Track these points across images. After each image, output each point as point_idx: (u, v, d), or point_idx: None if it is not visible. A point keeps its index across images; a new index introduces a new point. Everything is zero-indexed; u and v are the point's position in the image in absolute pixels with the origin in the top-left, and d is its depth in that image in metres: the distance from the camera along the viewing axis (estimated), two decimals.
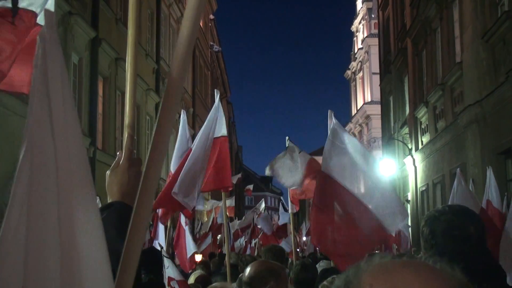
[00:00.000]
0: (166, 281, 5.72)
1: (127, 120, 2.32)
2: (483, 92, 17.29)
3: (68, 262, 1.12)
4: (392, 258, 1.20)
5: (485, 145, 17.41)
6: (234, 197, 22.51)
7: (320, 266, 8.40)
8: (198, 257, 13.63)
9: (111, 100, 21.71)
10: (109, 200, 2.23)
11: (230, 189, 7.90)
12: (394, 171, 31.16)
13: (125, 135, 2.28)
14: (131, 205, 2.23)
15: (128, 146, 2.27)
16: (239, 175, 33.52)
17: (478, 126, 17.88)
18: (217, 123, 7.52)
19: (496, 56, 16.62)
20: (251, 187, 36.12)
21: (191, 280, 7.97)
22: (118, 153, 2.30)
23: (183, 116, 9.07)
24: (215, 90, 8.02)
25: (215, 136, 7.42)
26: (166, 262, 5.82)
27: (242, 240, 20.94)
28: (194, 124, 35.36)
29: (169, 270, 5.76)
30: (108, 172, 2.29)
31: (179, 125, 8.90)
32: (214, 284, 4.84)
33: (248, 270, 4.06)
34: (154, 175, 1.41)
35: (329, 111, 7.18)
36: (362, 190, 6.53)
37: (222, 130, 7.52)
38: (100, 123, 20.93)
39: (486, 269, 2.65)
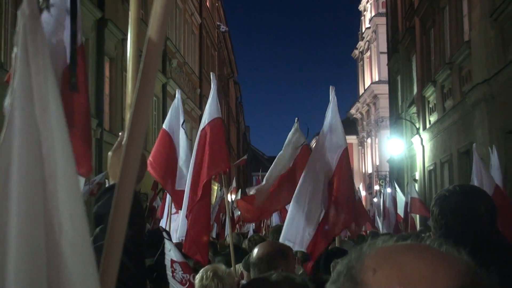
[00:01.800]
0: (169, 264, 5.74)
1: (128, 100, 2.28)
2: (491, 70, 17.17)
3: (53, 252, 1.09)
4: (395, 241, 1.17)
5: (493, 124, 17.32)
6: (235, 178, 22.47)
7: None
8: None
9: (118, 81, 21.70)
10: (110, 182, 2.21)
11: (228, 169, 7.83)
12: (402, 150, 31.11)
13: (127, 115, 2.25)
14: (135, 187, 2.22)
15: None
16: (245, 157, 33.49)
17: (486, 105, 17.78)
18: (209, 108, 7.42)
19: (505, 35, 16.48)
20: (245, 157, 36.18)
21: (191, 263, 8.01)
22: (120, 133, 2.27)
23: (177, 95, 9.12)
24: (211, 73, 7.88)
25: (209, 120, 7.34)
26: (168, 244, 5.82)
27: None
28: (201, 104, 35.30)
29: (171, 253, 5.76)
30: (109, 154, 2.27)
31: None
32: (206, 267, 4.84)
33: (256, 251, 4.05)
34: (135, 154, 1.38)
35: (330, 87, 7.22)
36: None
37: (216, 113, 7.39)
38: (107, 104, 20.95)
39: (496, 249, 2.62)
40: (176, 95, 9.13)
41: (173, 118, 8.93)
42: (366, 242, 1.19)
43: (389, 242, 1.17)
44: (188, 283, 5.59)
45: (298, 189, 6.77)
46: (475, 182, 8.33)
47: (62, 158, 1.10)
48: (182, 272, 5.69)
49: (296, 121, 8.37)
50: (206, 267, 4.90)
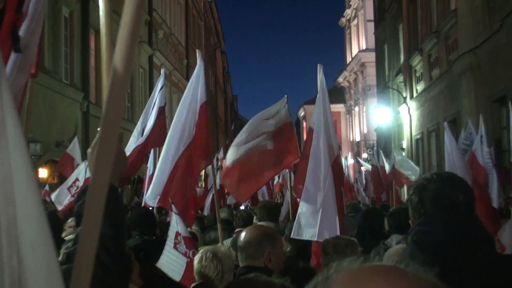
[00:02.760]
0: (173, 235, 5.79)
1: (105, 95, 2.23)
2: (477, 39, 17.18)
3: (10, 252, 1.07)
4: (362, 262, 1.16)
5: (479, 93, 17.38)
6: (222, 148, 22.43)
7: None
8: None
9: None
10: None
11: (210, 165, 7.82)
12: (389, 119, 31.17)
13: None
14: (114, 184, 2.21)
15: None
16: (231, 129, 33.49)
17: (472, 74, 17.82)
18: (198, 90, 7.31)
19: (491, 4, 16.45)
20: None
21: None
22: (98, 129, 2.25)
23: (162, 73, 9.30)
24: (197, 50, 7.74)
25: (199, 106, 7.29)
26: (175, 218, 5.88)
27: None
28: (188, 75, 35.12)
29: (178, 226, 5.83)
30: (89, 150, 2.25)
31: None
32: (206, 248, 4.85)
33: (243, 235, 4.06)
34: (108, 152, 1.37)
35: (318, 65, 7.07)
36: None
37: (203, 97, 7.31)
38: (93, 77, 20.81)
39: (475, 238, 2.65)
40: (161, 74, 9.29)
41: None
42: (333, 264, 1.18)
43: (355, 264, 1.15)
44: (190, 259, 5.64)
45: (309, 182, 6.53)
46: (446, 158, 8.43)
47: (22, 183, 1.07)
48: (185, 246, 5.75)
49: (285, 98, 8.33)
50: (205, 247, 4.92)
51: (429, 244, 2.61)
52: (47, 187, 13.60)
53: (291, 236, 6.12)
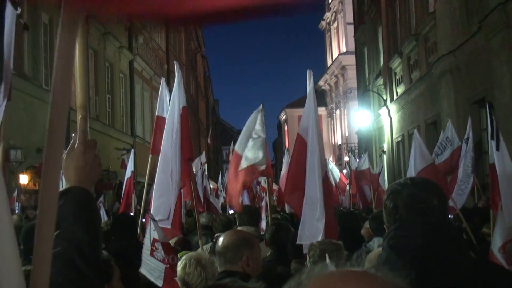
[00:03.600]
0: (149, 242, 5.76)
1: (78, 101, 2.22)
2: (456, 42, 17.31)
3: None
4: (334, 267, 1.18)
5: (459, 95, 17.51)
6: (203, 152, 22.47)
7: None
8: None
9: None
10: (65, 186, 2.19)
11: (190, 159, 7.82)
12: (370, 122, 31.30)
13: (78, 117, 2.20)
14: (89, 190, 2.21)
15: (82, 129, 2.17)
16: (210, 132, 33.42)
17: (452, 76, 17.95)
18: (177, 97, 7.42)
19: (469, 6, 16.58)
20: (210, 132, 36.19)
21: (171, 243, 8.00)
22: (72, 135, 2.24)
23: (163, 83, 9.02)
24: (175, 62, 7.78)
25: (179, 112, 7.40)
26: (153, 225, 5.86)
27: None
28: (169, 80, 35.07)
29: (154, 232, 5.80)
30: (63, 157, 2.24)
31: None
32: (189, 254, 4.84)
33: (221, 240, 4.07)
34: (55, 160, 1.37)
35: (308, 71, 7.04)
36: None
37: (182, 102, 7.42)
38: (73, 83, 20.70)
39: (448, 241, 2.67)
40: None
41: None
42: (305, 270, 1.20)
43: (326, 269, 1.17)
44: (169, 264, 5.61)
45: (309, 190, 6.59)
46: (411, 162, 8.48)
47: None
48: (163, 252, 5.72)
49: (261, 107, 8.30)
50: (189, 254, 4.89)
51: (405, 249, 2.62)
52: (15, 193, 13.43)
53: (296, 242, 6.13)
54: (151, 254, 5.77)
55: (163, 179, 7.41)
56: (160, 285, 5.51)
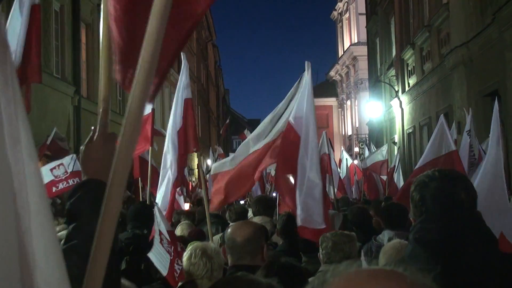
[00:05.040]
0: (158, 233, 5.77)
1: (101, 94, 2.20)
2: (469, 33, 17.18)
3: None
4: (358, 265, 1.13)
5: (471, 87, 17.39)
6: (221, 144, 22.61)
7: None
8: (187, 206, 13.66)
9: (94, 47, 21.41)
10: (83, 178, 2.18)
11: (196, 150, 7.82)
12: (381, 113, 31.19)
13: (99, 110, 2.18)
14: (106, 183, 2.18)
15: (103, 121, 2.16)
16: (227, 122, 33.52)
17: (464, 68, 17.83)
18: (181, 88, 7.55)
19: None
20: (227, 121, 36.35)
21: (178, 231, 7.98)
22: (92, 128, 2.22)
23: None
24: (182, 54, 7.65)
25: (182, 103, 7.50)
26: (158, 216, 5.84)
27: None
28: (179, 68, 35.05)
29: (161, 225, 5.79)
30: (82, 148, 2.23)
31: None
32: (195, 244, 4.81)
33: (237, 232, 3.97)
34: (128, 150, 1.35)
35: (306, 63, 6.98)
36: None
37: (186, 93, 7.52)
38: (84, 71, 20.72)
39: (477, 236, 2.63)
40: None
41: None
42: (330, 268, 1.16)
43: (352, 267, 1.12)
44: (172, 255, 5.60)
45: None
46: (430, 146, 8.40)
47: (35, 192, 1.07)
48: (167, 244, 5.72)
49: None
50: (195, 244, 4.86)
51: (431, 242, 2.59)
52: None
53: (298, 225, 6.18)
54: (160, 243, 5.79)
55: (164, 172, 7.54)
56: (164, 274, 5.50)
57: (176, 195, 13.79)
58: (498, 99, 7.73)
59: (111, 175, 1.36)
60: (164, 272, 5.55)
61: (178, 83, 7.56)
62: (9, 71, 1.05)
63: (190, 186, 18.28)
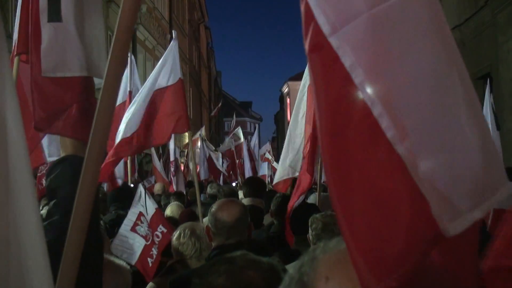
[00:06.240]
0: (136, 216, 5.67)
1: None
2: (462, 16, 17.15)
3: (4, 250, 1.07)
4: None
5: None
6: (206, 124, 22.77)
7: (310, 199, 8.20)
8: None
9: None
10: (61, 154, 2.16)
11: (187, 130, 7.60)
12: None
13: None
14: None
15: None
16: (219, 105, 33.47)
17: None
18: (171, 69, 7.43)
19: None
20: (219, 105, 36.25)
21: (167, 212, 7.97)
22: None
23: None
24: (173, 31, 7.73)
25: (169, 84, 7.37)
26: (143, 197, 5.78)
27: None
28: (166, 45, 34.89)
29: (142, 207, 5.71)
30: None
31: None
32: (184, 224, 4.78)
33: (224, 213, 3.91)
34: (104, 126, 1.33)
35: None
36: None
37: (177, 75, 7.44)
38: None
39: None
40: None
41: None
42: (320, 244, 1.14)
43: (342, 244, 1.10)
44: (150, 240, 5.53)
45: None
46: None
47: (15, 157, 1.07)
48: (147, 227, 5.63)
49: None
50: (184, 224, 4.84)
51: None
52: None
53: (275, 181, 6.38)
54: (133, 229, 5.65)
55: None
56: (133, 262, 5.40)
57: (171, 176, 13.84)
58: (490, 82, 7.71)
59: (87, 151, 1.34)
60: (132, 260, 5.44)
61: (158, 67, 7.45)
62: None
63: (182, 168, 18.21)
